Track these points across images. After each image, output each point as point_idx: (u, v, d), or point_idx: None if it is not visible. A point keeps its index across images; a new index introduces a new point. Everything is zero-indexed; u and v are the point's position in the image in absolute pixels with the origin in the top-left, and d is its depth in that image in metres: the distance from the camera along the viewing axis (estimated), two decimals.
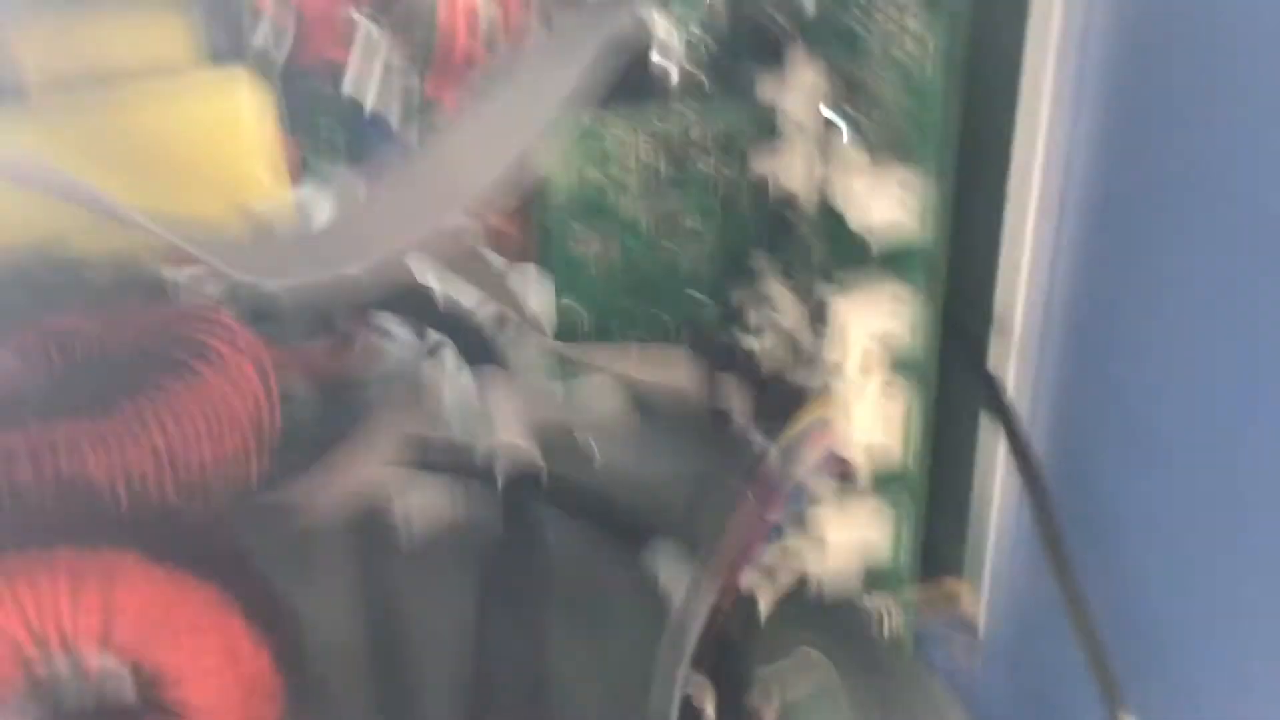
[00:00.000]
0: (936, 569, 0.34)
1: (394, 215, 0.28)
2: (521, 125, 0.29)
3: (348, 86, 0.36)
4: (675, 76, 0.39)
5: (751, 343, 0.36)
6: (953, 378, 0.30)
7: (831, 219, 0.31)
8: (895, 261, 0.29)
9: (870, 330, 0.29)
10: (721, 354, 0.37)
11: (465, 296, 0.37)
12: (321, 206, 0.35)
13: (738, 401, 0.36)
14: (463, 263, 0.38)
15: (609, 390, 0.45)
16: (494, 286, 0.38)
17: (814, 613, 0.33)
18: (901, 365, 0.30)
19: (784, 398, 0.32)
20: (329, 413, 0.40)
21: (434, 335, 0.39)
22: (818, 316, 0.30)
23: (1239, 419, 0.24)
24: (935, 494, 0.32)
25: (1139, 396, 0.27)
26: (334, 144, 0.38)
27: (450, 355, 0.37)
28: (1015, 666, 0.33)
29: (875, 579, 0.33)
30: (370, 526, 0.37)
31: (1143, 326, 0.26)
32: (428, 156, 0.30)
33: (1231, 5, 0.22)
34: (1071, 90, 0.26)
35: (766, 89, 0.32)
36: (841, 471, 0.32)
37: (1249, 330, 0.23)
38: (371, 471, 0.34)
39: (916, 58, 0.27)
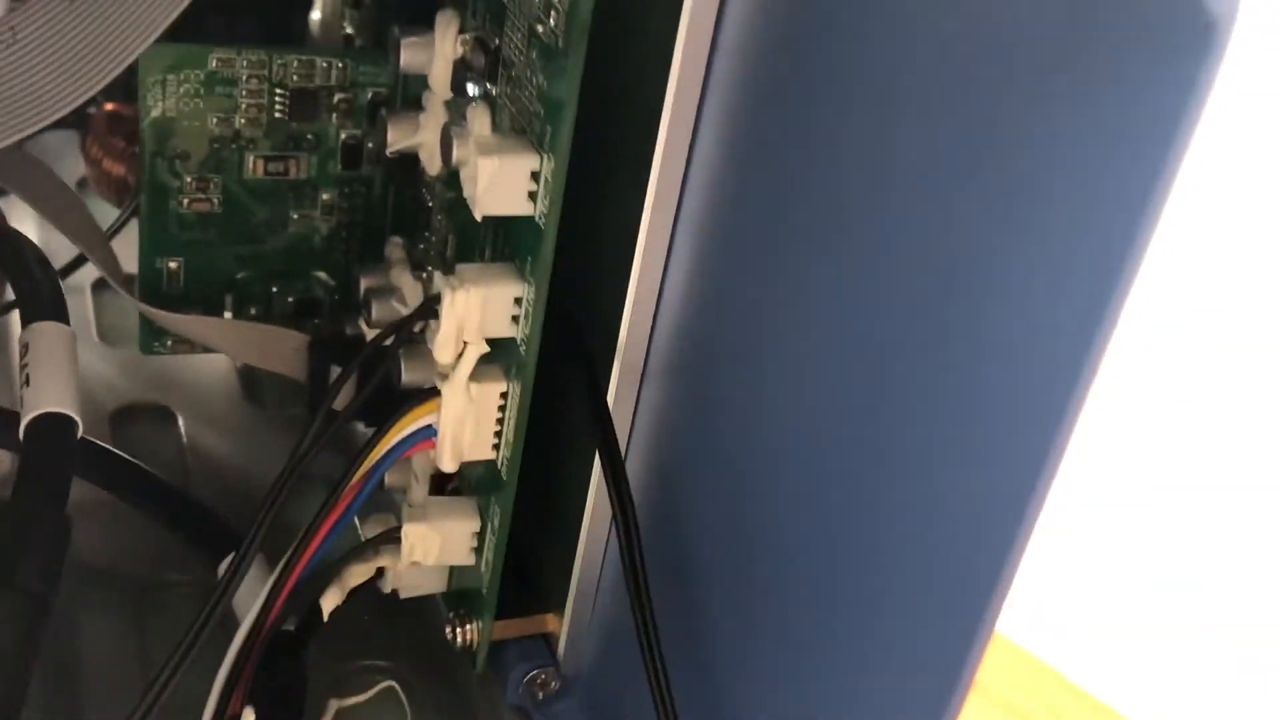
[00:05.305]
0: (545, 605, 0.31)
1: None
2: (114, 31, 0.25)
3: None
4: (321, 26, 0.36)
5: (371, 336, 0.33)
6: (566, 397, 0.28)
7: (458, 205, 0.28)
8: (516, 258, 0.26)
9: (482, 331, 0.26)
10: (341, 347, 0.34)
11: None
12: None
13: (346, 398, 0.33)
14: (57, 209, 0.34)
15: (209, 370, 0.40)
16: (89, 239, 0.33)
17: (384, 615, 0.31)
18: (508, 370, 0.27)
19: (395, 399, 0.29)
20: None
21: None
22: (430, 312, 0.27)
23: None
24: (546, 528, 0.30)
25: (726, 427, 0.25)
26: None
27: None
28: (591, 695, 0.31)
29: (461, 593, 0.31)
30: None
31: (739, 359, 0.25)
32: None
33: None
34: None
35: (410, 54, 0.29)
36: (436, 478, 0.30)
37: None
38: None
39: (554, 32, 0.24)
